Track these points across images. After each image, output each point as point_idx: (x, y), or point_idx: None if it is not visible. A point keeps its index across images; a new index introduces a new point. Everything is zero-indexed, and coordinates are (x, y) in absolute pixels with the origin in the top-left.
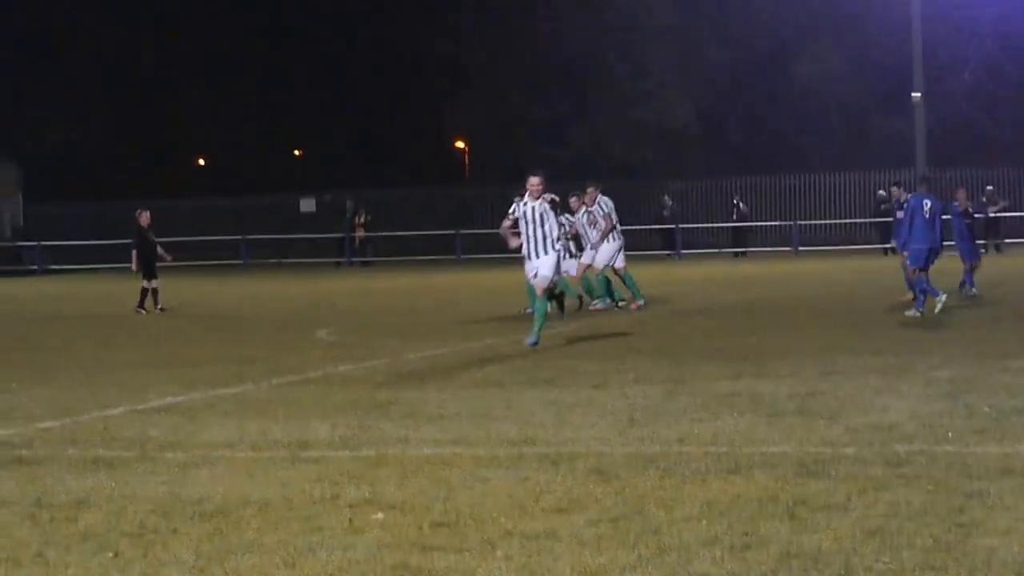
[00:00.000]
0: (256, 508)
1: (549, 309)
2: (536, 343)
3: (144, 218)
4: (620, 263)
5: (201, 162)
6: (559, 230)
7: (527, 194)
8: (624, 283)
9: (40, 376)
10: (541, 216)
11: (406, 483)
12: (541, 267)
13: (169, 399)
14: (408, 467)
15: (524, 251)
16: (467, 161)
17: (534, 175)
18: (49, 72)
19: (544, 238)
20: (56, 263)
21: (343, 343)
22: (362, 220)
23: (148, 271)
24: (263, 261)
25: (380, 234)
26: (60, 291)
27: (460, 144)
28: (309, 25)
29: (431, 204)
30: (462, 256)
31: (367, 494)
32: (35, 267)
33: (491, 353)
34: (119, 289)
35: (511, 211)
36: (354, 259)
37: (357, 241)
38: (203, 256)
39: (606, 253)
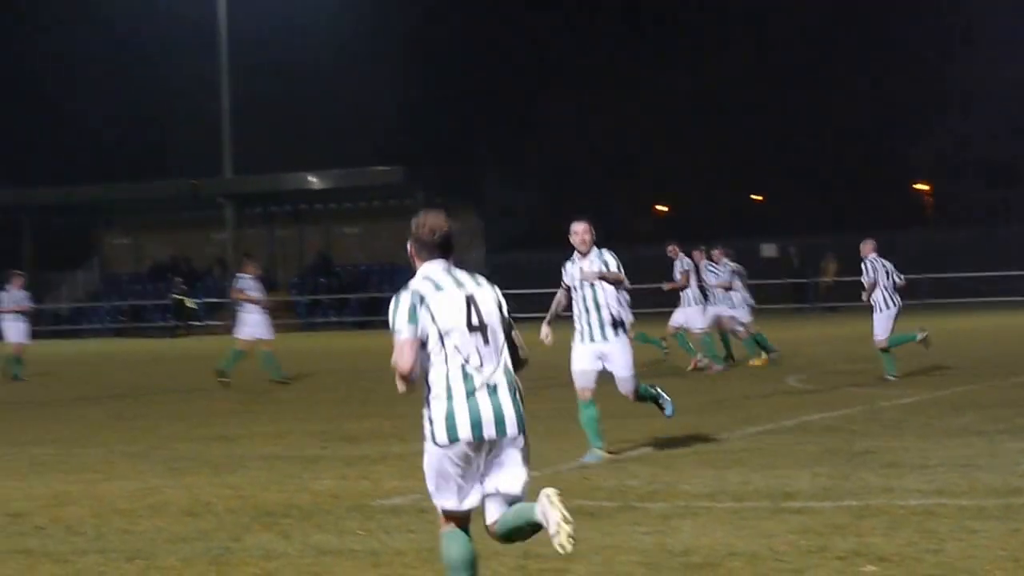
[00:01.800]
0: (744, 560)
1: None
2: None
3: None
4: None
5: (663, 209)
6: (621, 301)
7: (575, 253)
8: (685, 344)
9: None
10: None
11: (894, 535)
12: (613, 359)
13: (645, 449)
14: (895, 518)
15: (577, 330)
16: (930, 203)
17: (579, 220)
18: (516, 123)
19: (600, 313)
20: (522, 312)
21: (815, 390)
22: (832, 268)
23: None
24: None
25: (837, 279)
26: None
27: (922, 186)
28: (764, 70)
29: (893, 248)
30: (928, 301)
31: (855, 546)
32: None
33: (966, 400)
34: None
35: (565, 277)
36: (817, 304)
37: (821, 288)
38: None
39: (695, 315)
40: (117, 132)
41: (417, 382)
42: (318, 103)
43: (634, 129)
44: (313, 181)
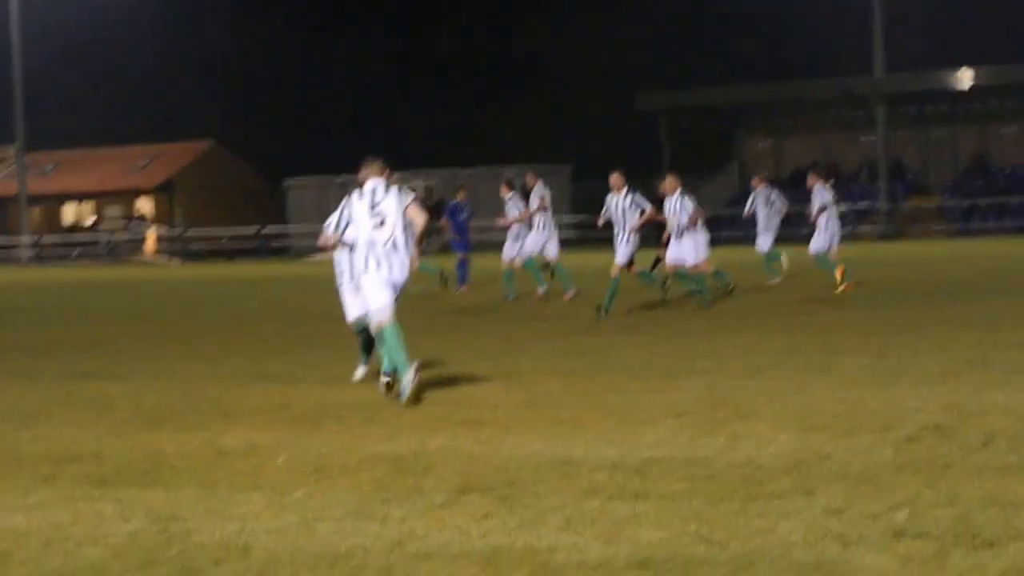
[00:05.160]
0: None
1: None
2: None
3: None
4: (551, 253)
5: None
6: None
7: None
8: (554, 274)
9: None
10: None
11: None
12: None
13: None
14: None
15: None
16: None
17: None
18: None
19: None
20: None
21: None
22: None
23: None
24: None
25: None
26: None
27: None
28: None
29: None
30: None
31: None
32: None
33: None
34: None
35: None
36: None
37: None
38: None
39: (532, 242)
40: (762, 30)
41: None
42: None
43: None
44: (968, 78)
